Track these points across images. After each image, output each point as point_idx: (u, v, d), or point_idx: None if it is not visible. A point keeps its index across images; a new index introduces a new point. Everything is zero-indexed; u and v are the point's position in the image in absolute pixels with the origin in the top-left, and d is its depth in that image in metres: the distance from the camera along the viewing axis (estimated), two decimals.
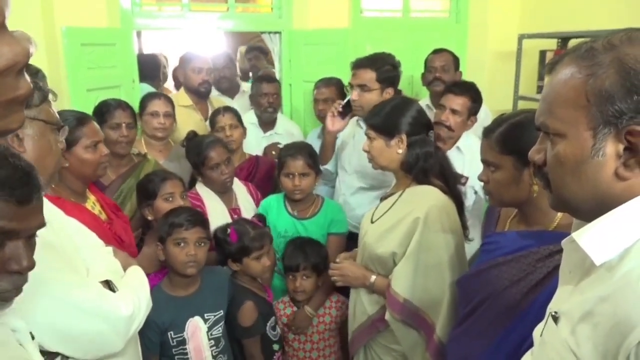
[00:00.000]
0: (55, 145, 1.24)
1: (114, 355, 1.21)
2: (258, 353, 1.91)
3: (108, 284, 1.26)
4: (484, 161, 1.37)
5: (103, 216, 1.77)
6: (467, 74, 3.49)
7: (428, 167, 1.72)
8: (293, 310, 2.17)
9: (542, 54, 3.16)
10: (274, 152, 2.79)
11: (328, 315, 2.18)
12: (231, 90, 3.64)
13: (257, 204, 2.38)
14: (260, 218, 2.11)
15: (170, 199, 1.94)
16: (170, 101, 2.60)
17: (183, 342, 1.74)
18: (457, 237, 1.68)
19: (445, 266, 1.63)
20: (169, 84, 4.57)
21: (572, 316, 0.74)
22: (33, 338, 0.95)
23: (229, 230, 1.95)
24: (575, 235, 0.74)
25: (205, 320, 1.77)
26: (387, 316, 1.68)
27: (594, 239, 0.71)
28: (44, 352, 1.10)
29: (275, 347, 2.02)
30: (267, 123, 3.03)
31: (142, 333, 1.62)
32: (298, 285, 2.09)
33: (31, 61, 1.53)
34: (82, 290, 1.14)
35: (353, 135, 2.50)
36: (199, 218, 1.80)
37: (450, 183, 1.76)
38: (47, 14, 2.77)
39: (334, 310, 2.19)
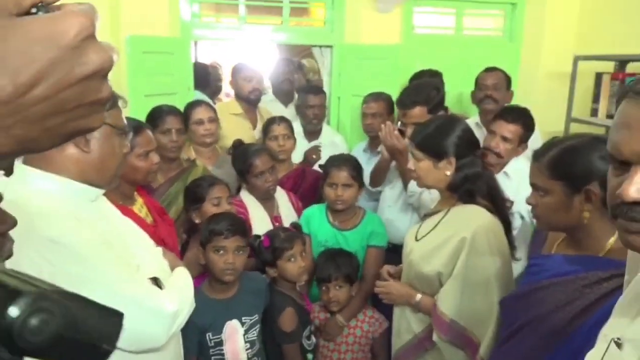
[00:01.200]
0: (119, 149, 1.30)
1: (156, 349, 1.27)
2: (298, 358, 1.94)
3: (156, 281, 1.32)
4: (532, 185, 1.34)
5: (149, 219, 1.84)
6: (519, 94, 3.43)
7: (475, 188, 1.69)
8: (326, 316, 2.19)
9: (598, 76, 3.07)
10: (314, 156, 2.84)
11: (359, 328, 2.18)
12: (287, 97, 3.70)
13: (298, 213, 2.42)
14: (296, 226, 2.15)
15: (218, 203, 2.01)
16: (211, 106, 2.69)
17: (220, 343, 1.79)
18: (504, 258, 1.65)
19: (493, 286, 1.60)
20: (222, 95, 4.71)
21: (636, 341, 0.73)
22: None
23: (262, 237, 2.00)
24: None
25: (242, 324, 1.82)
26: (435, 337, 1.65)
27: None
28: None
29: (309, 357, 2.04)
30: (311, 133, 3.09)
31: (183, 333, 1.68)
32: (332, 296, 2.11)
33: None
34: (132, 284, 1.20)
35: None
36: (238, 227, 1.84)
37: (498, 203, 1.73)
38: (114, 24, 2.94)
39: (367, 325, 2.18)
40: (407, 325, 1.80)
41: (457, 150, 1.69)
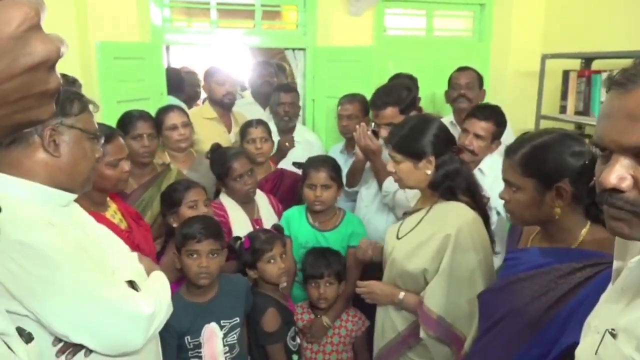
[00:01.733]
0: (91, 153, 1.29)
1: (134, 353, 1.25)
2: (282, 358, 1.93)
3: (132, 284, 1.31)
4: (505, 180, 1.36)
5: (124, 225, 1.82)
6: (489, 93, 3.49)
7: (455, 185, 1.72)
8: (310, 317, 2.19)
9: (565, 74, 3.15)
10: (287, 144, 2.87)
11: (344, 328, 2.19)
12: (266, 100, 3.61)
13: (279, 215, 2.42)
14: (278, 228, 2.15)
15: (195, 206, 2.00)
16: (183, 111, 2.66)
17: (199, 346, 1.79)
18: (487, 252, 1.69)
19: (477, 281, 1.63)
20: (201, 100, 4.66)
21: (634, 333, 0.74)
22: (29, 342, 0.95)
23: (242, 239, 1.99)
24: None
25: (222, 327, 1.82)
26: (422, 334, 1.67)
27: None
28: (67, 345, 1.17)
29: (294, 357, 2.04)
30: (284, 131, 3.08)
31: (161, 336, 1.66)
32: (322, 292, 2.11)
33: (66, 72, 1.61)
34: (106, 287, 1.19)
35: None
36: (212, 230, 1.83)
37: (477, 198, 1.76)
38: (82, 29, 2.89)
39: (350, 324, 2.20)
40: (390, 324, 1.81)
41: (435, 149, 1.71)
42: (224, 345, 1.82)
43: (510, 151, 1.34)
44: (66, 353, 1.17)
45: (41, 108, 0.43)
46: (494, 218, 2.36)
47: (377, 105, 2.38)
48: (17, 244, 1.07)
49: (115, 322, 1.19)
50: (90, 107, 1.30)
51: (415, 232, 1.75)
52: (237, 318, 1.86)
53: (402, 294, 1.75)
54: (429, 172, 1.72)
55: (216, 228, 1.86)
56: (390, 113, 2.32)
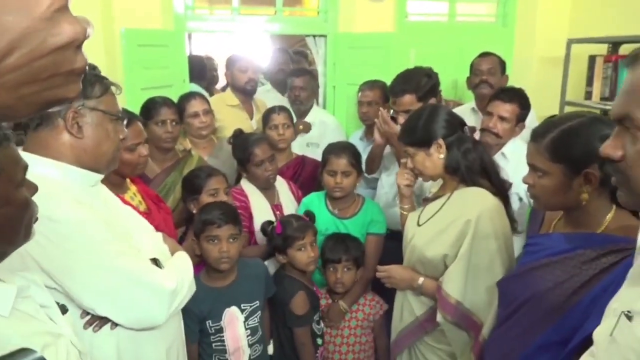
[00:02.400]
0: (114, 134, 1.32)
1: (157, 328, 1.30)
2: (309, 341, 1.97)
3: (155, 262, 1.34)
4: (531, 165, 1.33)
5: (143, 207, 1.85)
6: (513, 79, 3.44)
7: (470, 164, 1.72)
8: (328, 302, 2.22)
9: (592, 59, 3.08)
10: (301, 127, 2.88)
11: (361, 312, 2.21)
12: (283, 87, 3.63)
13: (298, 201, 2.44)
14: (310, 215, 2.17)
15: (215, 194, 2.03)
16: (204, 98, 2.69)
17: (220, 330, 1.82)
18: (507, 239, 1.68)
19: (497, 268, 1.63)
20: (220, 85, 4.70)
21: None
22: (64, 313, 1.02)
23: (275, 223, 2.02)
24: None
25: (242, 310, 1.85)
26: (439, 318, 1.68)
27: None
28: (94, 318, 1.22)
29: (319, 341, 2.07)
30: (300, 114, 3.10)
31: (184, 318, 1.72)
32: (339, 277, 2.13)
33: (91, 60, 1.62)
34: (131, 261, 1.24)
35: None
36: (230, 215, 1.85)
37: (493, 178, 1.75)
38: (107, 17, 2.93)
39: (368, 307, 2.22)
40: (409, 309, 1.82)
41: (441, 132, 1.72)
42: (246, 329, 1.85)
43: (537, 135, 1.31)
44: (93, 325, 1.23)
45: (68, 86, 0.45)
46: (515, 204, 2.34)
47: (395, 92, 2.37)
48: (47, 219, 1.11)
49: (138, 296, 1.23)
50: (113, 89, 1.32)
51: (435, 218, 1.75)
52: (258, 302, 1.88)
53: (421, 279, 1.75)
54: (441, 156, 1.73)
55: (235, 213, 1.89)
56: (408, 100, 2.31)
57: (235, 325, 1.83)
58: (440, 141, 1.72)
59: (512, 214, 1.76)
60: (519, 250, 2.24)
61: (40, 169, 1.20)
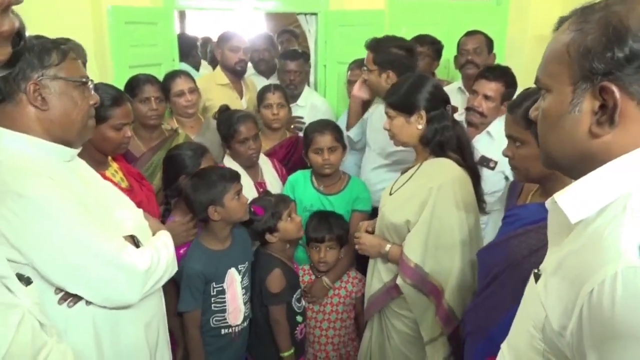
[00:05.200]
0: (82, 101, 1.27)
1: (133, 307, 1.29)
2: (283, 320, 1.97)
3: (133, 239, 1.34)
4: (509, 136, 1.36)
5: (124, 184, 1.85)
6: (507, 58, 3.42)
7: (444, 140, 1.74)
8: (311, 279, 2.23)
9: None
10: (293, 126, 2.86)
11: (344, 289, 2.22)
12: (267, 72, 3.69)
13: (282, 179, 2.44)
14: (268, 193, 2.18)
15: None
16: (190, 76, 2.66)
17: (222, 291, 1.86)
18: (469, 208, 1.71)
19: (456, 235, 1.67)
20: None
21: (546, 272, 0.77)
22: (28, 284, 1.00)
23: (252, 209, 2.02)
24: (555, 195, 0.75)
25: (239, 271, 1.89)
26: (399, 280, 1.73)
27: (571, 198, 0.73)
28: (68, 294, 1.21)
29: (299, 318, 2.08)
30: (291, 97, 3.07)
31: (190, 284, 1.80)
32: (322, 256, 2.14)
33: (78, 38, 1.59)
34: (103, 241, 1.22)
35: (373, 114, 2.53)
36: (232, 171, 1.92)
37: (467, 156, 1.78)
38: None
39: (350, 285, 2.23)
40: (378, 275, 1.87)
41: (426, 104, 1.73)
42: (242, 288, 1.91)
43: (513, 106, 1.34)
44: (67, 301, 1.22)
45: None
46: (501, 183, 2.35)
47: (365, 45, 2.39)
48: (16, 195, 1.11)
49: (109, 276, 1.22)
50: (71, 54, 1.26)
51: (404, 187, 1.79)
52: (247, 262, 1.95)
53: (388, 246, 1.80)
54: (420, 126, 1.74)
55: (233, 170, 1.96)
56: (368, 57, 2.33)
57: (235, 286, 1.88)
58: (423, 112, 1.73)
59: (481, 194, 1.80)
60: None
61: (14, 143, 1.19)
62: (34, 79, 1.19)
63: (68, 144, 1.29)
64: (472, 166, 1.79)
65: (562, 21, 0.77)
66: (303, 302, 2.13)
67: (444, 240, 1.67)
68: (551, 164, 0.83)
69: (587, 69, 0.69)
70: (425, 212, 1.67)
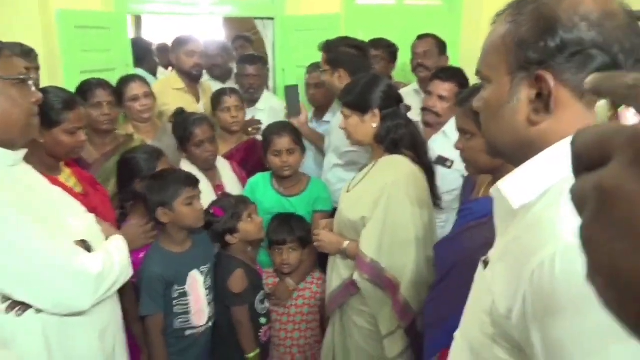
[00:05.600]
0: (22, 99, 1.22)
1: (88, 312, 1.25)
2: (246, 320, 1.95)
3: (84, 244, 1.29)
4: (459, 129, 1.40)
5: (79, 188, 1.79)
6: (461, 62, 3.50)
7: (398, 138, 1.78)
8: (275, 281, 2.22)
9: None
10: (250, 129, 2.85)
11: (309, 290, 2.22)
12: (223, 77, 3.66)
13: (242, 181, 2.42)
14: (225, 194, 2.17)
15: None
16: (144, 80, 2.63)
17: (184, 294, 1.83)
18: (423, 204, 1.75)
19: (411, 230, 1.70)
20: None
21: (493, 258, 0.79)
22: None
23: (211, 211, 2.00)
24: (498, 182, 0.77)
25: (201, 273, 1.87)
26: (356, 276, 1.75)
27: (513, 184, 0.75)
28: (16, 302, 1.16)
29: (263, 320, 2.06)
30: (250, 102, 3.07)
31: (150, 288, 1.75)
32: (285, 258, 2.13)
33: (27, 43, 1.55)
34: (50, 243, 1.18)
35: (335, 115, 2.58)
36: (191, 176, 1.89)
37: (420, 153, 1.82)
38: None
39: (315, 286, 2.23)
40: (337, 272, 1.89)
41: (380, 103, 1.77)
42: (205, 289, 1.89)
43: (463, 100, 1.38)
44: (15, 310, 1.17)
45: None
46: (459, 181, 2.40)
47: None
48: None
49: (58, 281, 1.18)
50: (5, 51, 1.21)
51: (360, 184, 1.82)
52: (209, 264, 1.93)
53: (346, 243, 1.83)
54: (374, 125, 1.77)
55: (191, 174, 1.92)
56: (321, 57, 2.42)
57: (198, 288, 1.86)
58: (376, 111, 1.76)
59: (436, 191, 1.85)
60: None
61: None
62: None
63: (11, 145, 1.24)
64: (426, 163, 1.83)
65: (498, 15, 0.80)
66: (267, 304, 2.11)
67: (399, 235, 1.70)
68: (495, 152, 0.85)
69: (523, 59, 0.71)
70: (379, 208, 1.70)
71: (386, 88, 1.80)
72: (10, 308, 1.17)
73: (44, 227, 1.20)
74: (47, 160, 1.69)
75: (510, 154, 0.80)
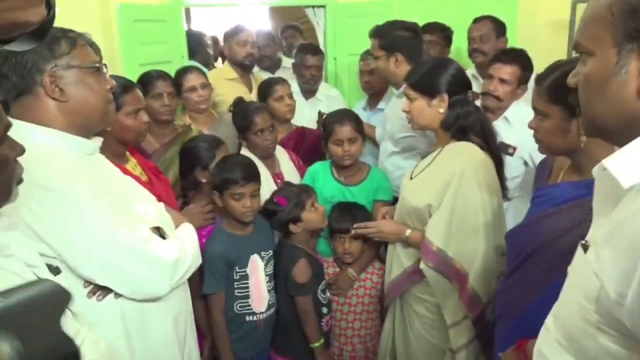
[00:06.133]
0: (99, 86, 1.25)
1: (161, 299, 1.28)
2: (311, 310, 1.95)
3: (159, 231, 1.32)
4: (534, 108, 1.35)
5: (144, 178, 1.83)
6: (519, 45, 3.36)
7: (467, 125, 1.72)
8: (336, 271, 2.20)
9: None
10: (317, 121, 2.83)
11: (369, 280, 2.19)
12: (272, 68, 3.66)
13: (299, 170, 2.42)
14: (288, 183, 2.17)
15: None
16: (202, 72, 2.65)
17: (245, 277, 1.86)
18: (492, 192, 1.69)
19: (480, 218, 1.65)
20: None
21: (596, 242, 0.74)
22: (56, 274, 1.00)
23: (275, 200, 2.00)
24: (604, 161, 0.72)
25: (262, 258, 1.89)
26: (422, 265, 1.71)
27: (623, 162, 0.70)
28: (97, 287, 1.19)
29: (324, 310, 2.06)
30: (308, 92, 3.07)
31: (213, 267, 1.80)
32: (347, 247, 2.11)
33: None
34: (130, 231, 1.20)
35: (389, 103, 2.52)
36: (252, 173, 1.88)
37: (490, 141, 1.76)
38: None
39: (375, 276, 2.20)
40: (398, 261, 1.86)
41: (449, 88, 1.71)
42: (265, 275, 1.91)
43: (540, 78, 1.32)
44: (96, 294, 1.20)
45: (30, 10, 0.43)
46: (521, 169, 2.32)
47: (369, 34, 2.39)
48: (42, 187, 1.09)
49: (138, 266, 1.21)
50: (80, 41, 1.24)
51: (426, 171, 1.77)
52: (271, 251, 1.95)
53: (408, 231, 1.79)
54: (441, 110, 1.72)
55: (255, 170, 1.92)
56: (373, 44, 2.34)
57: (258, 272, 1.88)
58: (445, 96, 1.71)
59: (503, 180, 1.78)
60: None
61: (37, 137, 1.17)
62: (48, 70, 1.18)
63: (91, 132, 1.28)
64: (495, 151, 1.76)
65: None
66: (328, 294, 2.10)
67: (467, 223, 1.65)
68: (595, 130, 0.80)
69: (633, 28, 0.67)
70: (448, 195, 1.65)
71: (456, 72, 1.74)
72: (91, 293, 1.21)
73: (121, 215, 1.23)
74: (114, 149, 1.72)
75: (614, 131, 0.76)
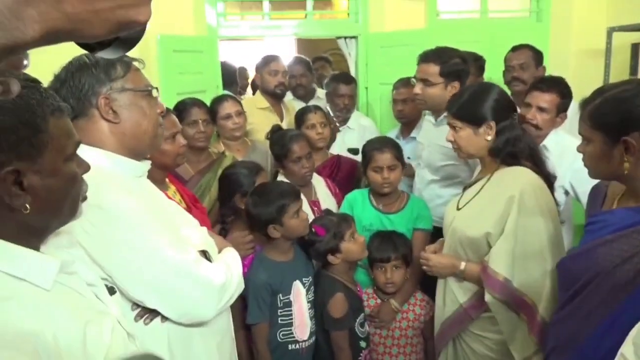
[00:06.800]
0: (150, 110, 1.27)
1: (208, 323, 1.26)
2: (346, 346, 1.90)
3: (205, 254, 1.32)
4: (580, 133, 1.32)
5: (183, 205, 1.83)
6: (551, 74, 3.35)
7: (517, 150, 1.68)
8: (377, 302, 2.15)
9: (635, 47, 2.98)
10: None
11: (412, 312, 2.14)
12: (306, 97, 3.70)
13: (336, 198, 2.41)
14: (327, 211, 2.15)
15: None
16: (237, 100, 2.69)
17: (289, 304, 1.84)
18: (553, 217, 1.63)
19: (546, 245, 1.58)
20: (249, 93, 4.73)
21: None
22: (112, 293, 1.00)
23: (313, 229, 1.98)
24: None
25: (303, 284, 1.87)
26: (487, 297, 1.62)
27: None
28: (146, 309, 1.19)
29: (363, 344, 2.00)
30: (342, 120, 3.09)
31: (257, 295, 1.78)
32: (389, 277, 2.06)
33: None
34: (180, 253, 1.20)
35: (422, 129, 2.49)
36: (293, 188, 1.91)
37: (540, 164, 1.71)
38: None
39: (418, 307, 2.14)
40: (451, 297, 1.77)
41: (495, 114, 1.67)
42: (307, 302, 1.88)
43: (584, 103, 1.30)
44: (144, 317, 1.19)
45: (140, 7, 0.44)
46: (561, 198, 2.26)
47: (422, 58, 2.32)
48: (97, 208, 1.10)
49: (187, 288, 1.19)
50: (135, 64, 1.28)
51: (475, 199, 1.72)
52: (311, 277, 1.93)
53: (463, 264, 1.71)
54: (489, 138, 1.69)
55: (295, 187, 1.97)
56: (430, 70, 2.26)
57: (301, 299, 1.86)
58: (492, 123, 1.68)
59: (555, 199, 1.71)
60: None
61: (90, 157, 1.18)
62: (103, 93, 1.20)
63: (141, 155, 1.30)
64: (546, 173, 1.71)
65: None
66: (367, 327, 2.04)
67: (531, 248, 1.58)
68: None
69: None
70: (510, 223, 1.59)
71: (498, 97, 1.71)
72: (139, 316, 1.20)
73: (172, 236, 1.23)
74: (155, 175, 1.72)
75: None
